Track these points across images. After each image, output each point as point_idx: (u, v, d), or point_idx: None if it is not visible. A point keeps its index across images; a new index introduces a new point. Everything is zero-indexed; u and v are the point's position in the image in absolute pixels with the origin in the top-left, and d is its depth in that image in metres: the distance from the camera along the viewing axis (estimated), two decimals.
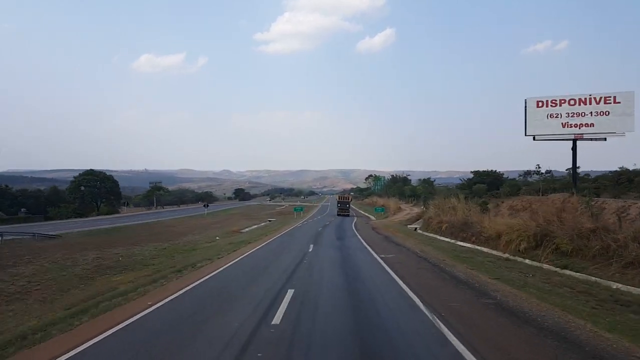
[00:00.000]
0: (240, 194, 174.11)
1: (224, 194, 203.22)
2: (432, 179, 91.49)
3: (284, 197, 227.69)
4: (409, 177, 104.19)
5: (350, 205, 71.32)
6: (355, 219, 55.34)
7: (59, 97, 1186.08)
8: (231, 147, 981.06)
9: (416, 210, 56.68)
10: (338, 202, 69.00)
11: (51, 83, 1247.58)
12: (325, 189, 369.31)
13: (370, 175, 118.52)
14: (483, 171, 73.89)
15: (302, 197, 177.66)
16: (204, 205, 68.00)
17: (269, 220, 54.77)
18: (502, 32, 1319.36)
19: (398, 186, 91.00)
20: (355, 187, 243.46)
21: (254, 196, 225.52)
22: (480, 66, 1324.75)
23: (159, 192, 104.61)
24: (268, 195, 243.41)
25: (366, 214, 68.47)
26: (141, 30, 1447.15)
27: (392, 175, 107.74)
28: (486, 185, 56.33)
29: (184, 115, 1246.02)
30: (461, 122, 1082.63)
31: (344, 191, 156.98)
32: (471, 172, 67.11)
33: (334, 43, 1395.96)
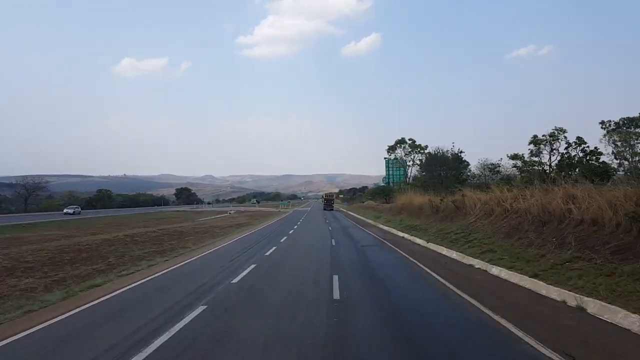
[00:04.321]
0: (183, 196, 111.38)
1: (203, 199, 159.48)
2: None
3: (257, 200, 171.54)
4: (461, 154, 42.53)
5: (335, 204, 75.06)
6: None
7: (34, 100, 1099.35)
8: (214, 152, 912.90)
9: None
10: (324, 200, 75.37)
11: (27, 86, 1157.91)
12: (310, 194, 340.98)
13: (401, 143, 52.13)
14: None
15: (254, 201, 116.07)
16: None
17: None
18: (487, 36, 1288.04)
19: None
20: (343, 189, 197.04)
21: (230, 200, 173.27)
22: (465, 69, 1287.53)
23: None
24: (235, 200, 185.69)
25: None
26: (122, 33, 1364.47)
27: (430, 153, 45.87)
28: None
29: (166, 120, 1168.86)
30: (450, 124, 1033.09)
31: (329, 193, 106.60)
32: None
33: (319, 47, 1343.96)
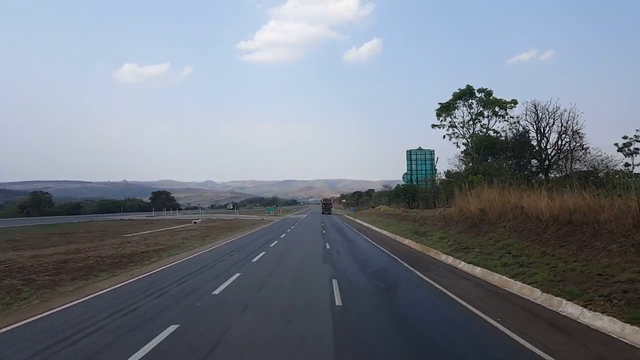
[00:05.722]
0: (158, 200, 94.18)
1: (199, 205, 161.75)
2: None
3: (235, 206, 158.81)
4: (528, 134, 25.39)
5: (334, 209, 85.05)
6: None
7: (35, 105, 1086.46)
8: (215, 158, 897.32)
9: None
10: (322, 204, 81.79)
11: (27, 91, 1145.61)
12: (311, 199, 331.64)
13: (467, 96, 26.92)
14: None
15: (230, 206, 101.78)
16: None
17: None
18: (489, 41, 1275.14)
19: None
20: (344, 194, 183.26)
21: (225, 205, 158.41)
22: (466, 71, 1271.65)
23: None
24: (228, 205, 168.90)
25: None
26: (123, 38, 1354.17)
27: (490, 137, 27.77)
28: None
29: (167, 126, 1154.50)
30: None
31: (327, 199, 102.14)
32: None
33: (320, 53, 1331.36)
